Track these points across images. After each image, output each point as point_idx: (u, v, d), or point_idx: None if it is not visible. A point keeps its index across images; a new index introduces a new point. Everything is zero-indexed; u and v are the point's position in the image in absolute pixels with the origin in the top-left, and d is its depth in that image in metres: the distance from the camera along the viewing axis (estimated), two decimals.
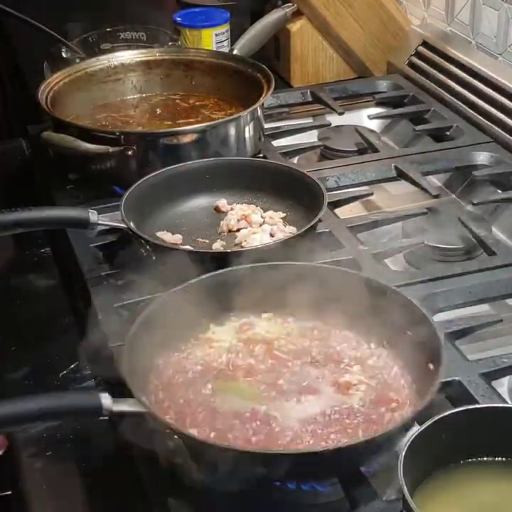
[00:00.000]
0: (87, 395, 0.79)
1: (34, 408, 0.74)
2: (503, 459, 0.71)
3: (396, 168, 1.26)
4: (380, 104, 1.52)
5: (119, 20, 1.62)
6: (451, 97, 1.44)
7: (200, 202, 1.15)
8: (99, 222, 1.00)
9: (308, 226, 1.02)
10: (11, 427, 0.80)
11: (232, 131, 1.22)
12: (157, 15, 1.71)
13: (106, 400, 0.75)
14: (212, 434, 0.76)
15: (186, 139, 1.19)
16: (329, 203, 1.18)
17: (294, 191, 1.13)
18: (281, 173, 1.15)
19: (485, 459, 0.71)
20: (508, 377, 0.91)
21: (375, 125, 1.48)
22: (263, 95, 1.26)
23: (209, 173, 1.15)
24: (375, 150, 1.33)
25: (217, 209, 1.14)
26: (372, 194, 1.23)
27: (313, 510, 0.78)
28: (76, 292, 1.07)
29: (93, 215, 1.00)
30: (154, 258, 0.99)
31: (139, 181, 1.10)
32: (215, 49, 1.54)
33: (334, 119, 1.43)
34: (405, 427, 0.75)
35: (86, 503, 0.81)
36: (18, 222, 0.96)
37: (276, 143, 1.36)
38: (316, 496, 0.78)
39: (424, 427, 0.69)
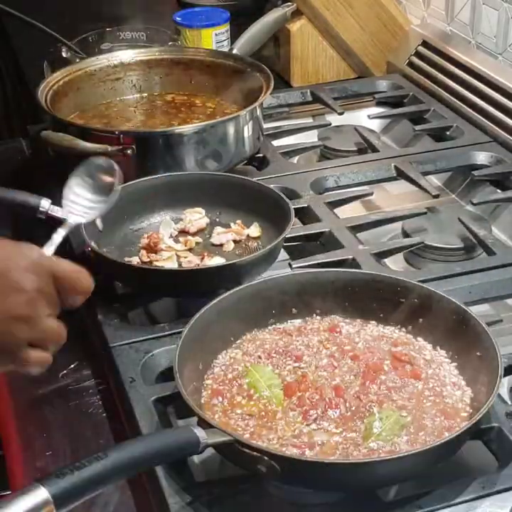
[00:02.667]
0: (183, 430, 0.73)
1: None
2: None
3: (396, 167, 1.26)
4: (379, 104, 1.53)
5: (119, 21, 1.62)
6: (451, 97, 1.44)
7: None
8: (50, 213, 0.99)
9: (282, 236, 1.02)
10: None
11: (230, 130, 1.22)
12: (157, 15, 1.71)
13: (200, 433, 0.72)
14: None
15: (185, 138, 1.19)
16: (329, 203, 1.18)
17: (256, 204, 1.11)
18: (240, 187, 1.13)
19: None
20: (508, 377, 0.91)
21: (374, 125, 1.47)
22: (262, 95, 1.26)
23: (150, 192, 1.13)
24: (375, 150, 1.33)
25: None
26: (372, 194, 1.23)
27: (313, 510, 0.78)
28: None
29: (45, 204, 0.99)
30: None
31: None
32: (214, 48, 1.54)
33: (334, 119, 1.43)
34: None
35: (86, 503, 0.80)
36: None
37: (276, 143, 1.36)
38: (317, 496, 0.78)
39: None
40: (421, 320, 0.88)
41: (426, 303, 0.88)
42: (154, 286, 1.00)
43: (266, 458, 0.71)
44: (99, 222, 1.04)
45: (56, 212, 0.98)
